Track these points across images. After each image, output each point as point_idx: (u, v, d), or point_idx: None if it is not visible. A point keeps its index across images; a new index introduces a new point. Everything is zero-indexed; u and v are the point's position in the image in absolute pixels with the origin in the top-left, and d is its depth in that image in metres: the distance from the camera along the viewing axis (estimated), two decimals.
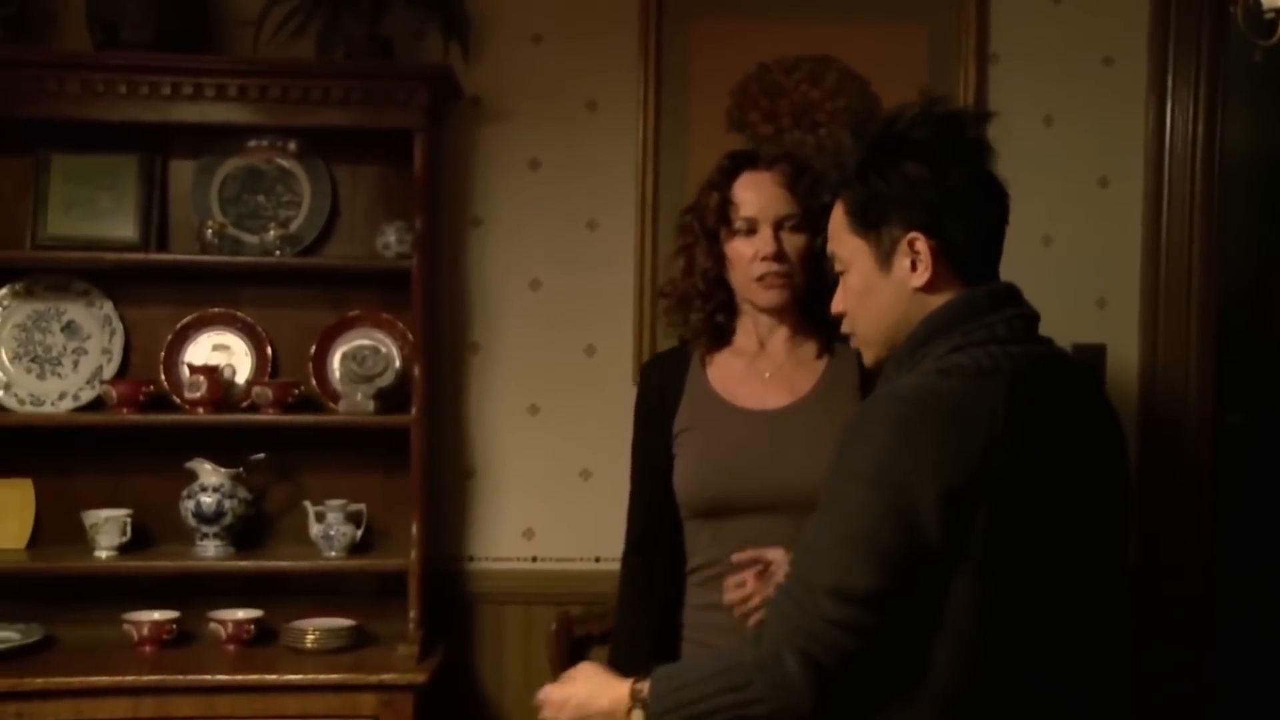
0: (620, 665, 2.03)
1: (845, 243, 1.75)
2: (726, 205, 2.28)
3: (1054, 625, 1.62)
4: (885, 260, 1.69)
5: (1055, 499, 1.60)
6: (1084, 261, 3.34)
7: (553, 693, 1.86)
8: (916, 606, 1.55)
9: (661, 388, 2.36)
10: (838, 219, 1.75)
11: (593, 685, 1.81)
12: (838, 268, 1.77)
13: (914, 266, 1.66)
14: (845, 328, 1.79)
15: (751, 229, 2.25)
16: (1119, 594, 1.73)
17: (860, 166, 1.70)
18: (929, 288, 1.67)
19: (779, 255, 2.24)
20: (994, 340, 1.62)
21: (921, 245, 1.65)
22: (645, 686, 1.71)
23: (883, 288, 1.70)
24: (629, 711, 1.71)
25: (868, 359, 1.78)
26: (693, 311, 2.35)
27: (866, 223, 1.70)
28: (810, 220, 2.22)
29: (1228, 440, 3.55)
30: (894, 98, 3.02)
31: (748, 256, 2.26)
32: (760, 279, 2.25)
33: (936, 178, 1.66)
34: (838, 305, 1.79)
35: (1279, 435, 4.16)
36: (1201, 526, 3.35)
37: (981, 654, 1.57)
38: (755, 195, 2.26)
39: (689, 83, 3.24)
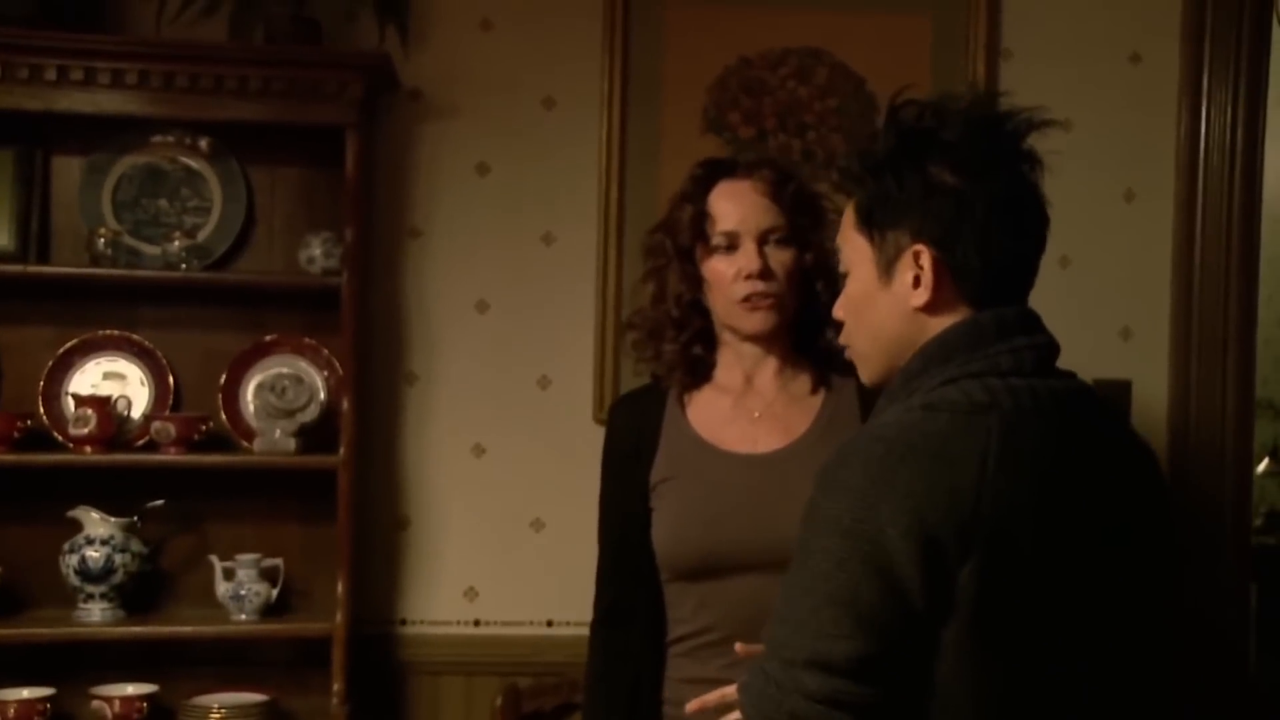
0: None
1: (850, 240, 1.66)
2: (702, 219, 2.18)
3: (1068, 698, 1.50)
4: (887, 269, 1.59)
5: (1063, 554, 1.49)
6: (1106, 286, 3.22)
7: None
8: (908, 673, 1.46)
9: (635, 432, 2.25)
10: (849, 213, 1.68)
11: None
12: (841, 267, 1.70)
13: (916, 283, 1.57)
14: (842, 338, 1.72)
15: (732, 244, 2.16)
16: (1158, 662, 1.62)
17: (879, 158, 1.61)
18: (931, 309, 1.57)
19: (765, 272, 2.14)
20: (995, 372, 1.52)
21: (926, 260, 1.56)
22: None
23: (881, 300, 1.61)
24: None
25: (864, 376, 1.70)
26: (665, 343, 2.25)
27: (873, 223, 1.61)
28: (798, 234, 2.16)
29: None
30: None
31: (729, 276, 2.15)
32: (745, 300, 2.15)
33: (959, 188, 1.55)
34: (838, 310, 1.72)
35: None
36: (1238, 587, 3.21)
37: None
38: (735, 206, 2.17)
39: (660, 78, 3.12)
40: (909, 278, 1.56)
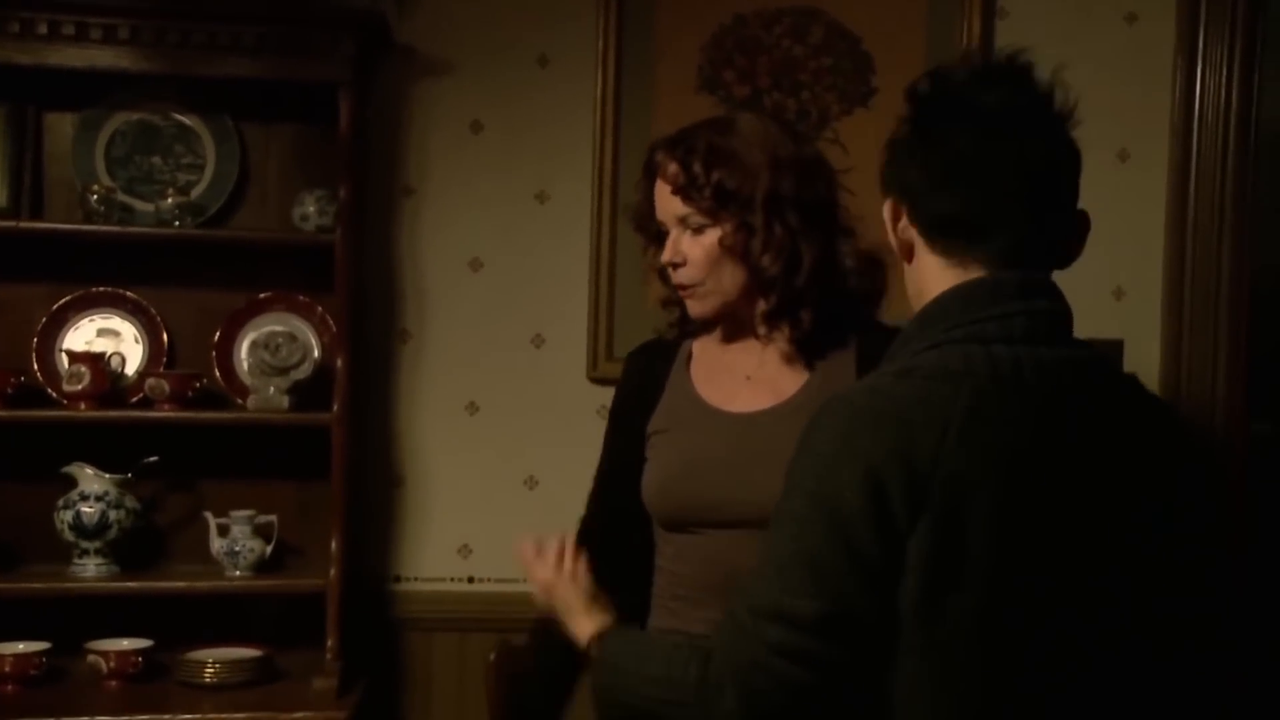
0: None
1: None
2: (650, 209, 2.18)
3: (1027, 680, 1.45)
4: (893, 220, 1.60)
5: (1027, 531, 1.43)
6: (1099, 246, 2.99)
7: (539, 572, 1.92)
8: (873, 639, 1.44)
9: (641, 381, 2.25)
10: None
11: (577, 601, 1.85)
12: None
13: (902, 235, 1.60)
14: None
15: (664, 234, 2.14)
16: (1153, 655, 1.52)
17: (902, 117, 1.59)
18: (918, 264, 1.58)
19: (673, 263, 2.10)
20: (979, 339, 1.48)
21: (904, 215, 1.57)
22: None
23: (893, 247, 1.63)
24: (586, 649, 1.77)
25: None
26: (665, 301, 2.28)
27: (884, 177, 1.61)
28: (725, 208, 2.04)
29: (1256, 453, 3.35)
30: (888, 56, 3.09)
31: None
32: (678, 288, 2.14)
33: (961, 148, 1.51)
34: None
35: None
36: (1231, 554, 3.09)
37: (950, 710, 1.44)
38: (656, 197, 2.14)
39: (654, 36, 3.09)
40: (898, 229, 1.58)
